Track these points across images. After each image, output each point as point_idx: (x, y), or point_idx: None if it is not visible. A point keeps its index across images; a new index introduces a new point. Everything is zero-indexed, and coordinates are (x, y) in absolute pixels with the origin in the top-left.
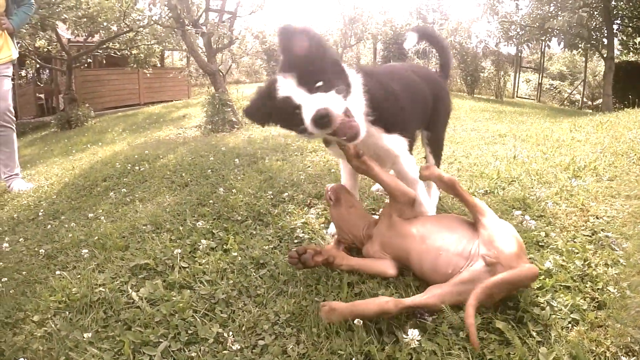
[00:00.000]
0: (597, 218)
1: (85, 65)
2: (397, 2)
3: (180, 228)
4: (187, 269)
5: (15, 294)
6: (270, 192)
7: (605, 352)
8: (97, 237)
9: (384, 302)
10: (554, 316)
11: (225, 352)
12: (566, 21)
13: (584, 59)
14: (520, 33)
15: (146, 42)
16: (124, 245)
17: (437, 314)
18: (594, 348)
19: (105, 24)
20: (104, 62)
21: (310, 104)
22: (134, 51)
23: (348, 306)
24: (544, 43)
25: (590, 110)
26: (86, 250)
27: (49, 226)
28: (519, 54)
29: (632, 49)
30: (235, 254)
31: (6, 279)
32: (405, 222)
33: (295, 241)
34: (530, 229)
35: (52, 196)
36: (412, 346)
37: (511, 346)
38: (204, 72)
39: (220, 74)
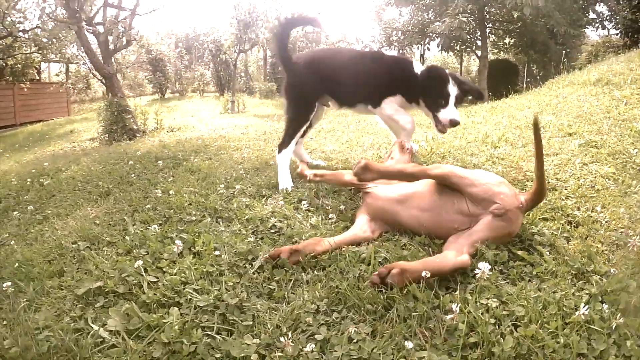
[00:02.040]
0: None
1: None
2: (289, 10)
3: (128, 238)
4: (159, 283)
5: None
6: (222, 187)
7: (599, 248)
8: (17, 265)
9: (460, 261)
10: (552, 238)
11: None
12: (447, 25)
13: (457, 60)
14: (401, 37)
15: (24, 51)
16: (57, 270)
17: None
18: (592, 250)
19: None
20: None
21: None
22: (10, 62)
23: (418, 266)
24: (423, 46)
25: (466, 104)
26: (9, 283)
27: None
28: None
29: (502, 49)
30: (218, 252)
31: None
32: (387, 188)
33: (272, 231)
34: None
35: None
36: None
37: (538, 265)
38: (100, 75)
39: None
